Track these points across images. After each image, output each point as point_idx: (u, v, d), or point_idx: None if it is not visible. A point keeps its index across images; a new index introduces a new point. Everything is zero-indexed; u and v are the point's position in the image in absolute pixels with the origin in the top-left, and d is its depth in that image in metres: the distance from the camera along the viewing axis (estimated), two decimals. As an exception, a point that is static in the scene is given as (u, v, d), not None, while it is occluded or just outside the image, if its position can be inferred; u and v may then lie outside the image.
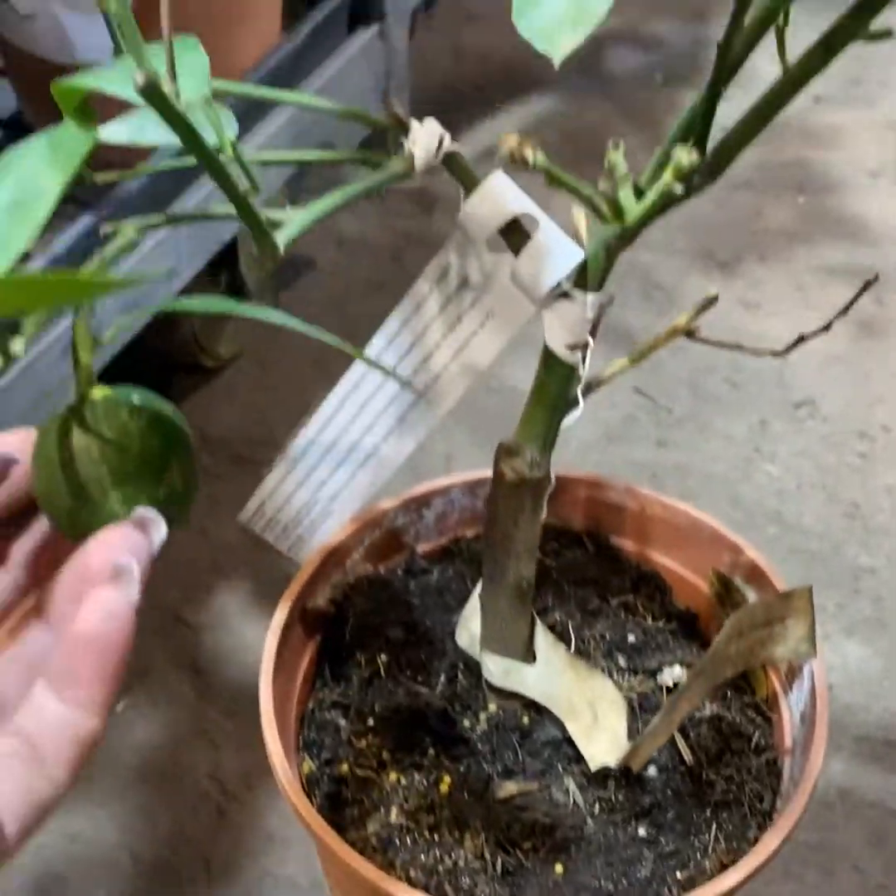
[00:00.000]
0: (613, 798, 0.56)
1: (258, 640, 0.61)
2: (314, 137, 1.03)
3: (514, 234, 0.48)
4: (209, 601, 0.93)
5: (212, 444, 1.05)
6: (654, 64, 1.57)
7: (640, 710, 0.59)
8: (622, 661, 0.60)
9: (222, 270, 1.04)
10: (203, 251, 0.94)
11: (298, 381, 1.11)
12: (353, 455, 0.61)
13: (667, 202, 0.35)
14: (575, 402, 0.53)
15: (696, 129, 0.40)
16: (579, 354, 0.50)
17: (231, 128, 0.41)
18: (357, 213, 1.30)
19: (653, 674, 0.60)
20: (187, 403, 1.09)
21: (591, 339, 0.50)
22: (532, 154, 0.33)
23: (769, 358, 1.14)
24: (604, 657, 0.60)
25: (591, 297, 0.48)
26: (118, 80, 0.31)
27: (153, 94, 0.28)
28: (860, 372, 1.13)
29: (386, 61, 1.13)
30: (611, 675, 0.59)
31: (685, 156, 0.32)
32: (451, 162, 0.47)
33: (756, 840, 0.54)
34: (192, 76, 0.34)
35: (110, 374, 0.92)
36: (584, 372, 0.52)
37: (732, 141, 0.39)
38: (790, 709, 0.60)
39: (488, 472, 0.55)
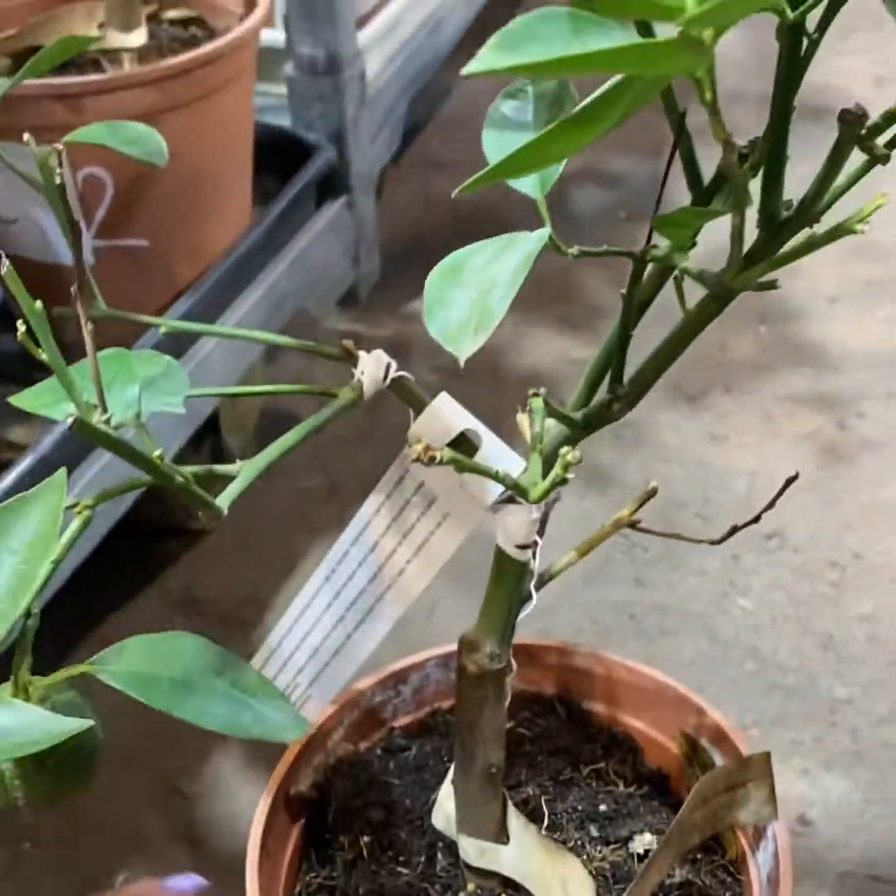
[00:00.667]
0: (591, 970, 0.58)
1: (252, 806, 0.63)
2: (289, 307, 1.08)
3: (462, 447, 0.52)
4: (204, 769, 0.95)
5: (201, 606, 1.09)
6: (617, 200, 1.63)
7: (612, 880, 0.61)
8: (594, 831, 0.63)
9: (205, 439, 1.08)
10: (185, 427, 0.98)
11: (281, 538, 1.14)
12: (328, 643, 0.64)
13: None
14: (529, 596, 0.56)
15: (614, 365, 0.44)
16: (530, 553, 0.54)
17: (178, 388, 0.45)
18: (330, 367, 1.35)
19: (624, 842, 0.63)
20: (176, 567, 1.12)
21: (539, 539, 0.54)
22: (439, 454, 0.37)
23: (736, 492, 1.18)
24: (576, 829, 0.63)
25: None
26: (55, 402, 0.36)
27: (84, 429, 0.32)
28: (828, 499, 1.17)
29: (355, 229, 1.18)
30: (583, 846, 0.62)
31: (572, 455, 0.36)
32: (398, 387, 0.52)
33: None
34: (122, 400, 0.38)
35: (106, 541, 0.95)
36: (536, 567, 0.55)
37: (645, 376, 0.44)
38: (758, 869, 0.63)
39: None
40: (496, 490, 0.51)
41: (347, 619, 0.63)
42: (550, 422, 0.50)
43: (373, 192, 1.25)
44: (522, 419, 0.55)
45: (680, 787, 0.68)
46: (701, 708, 0.68)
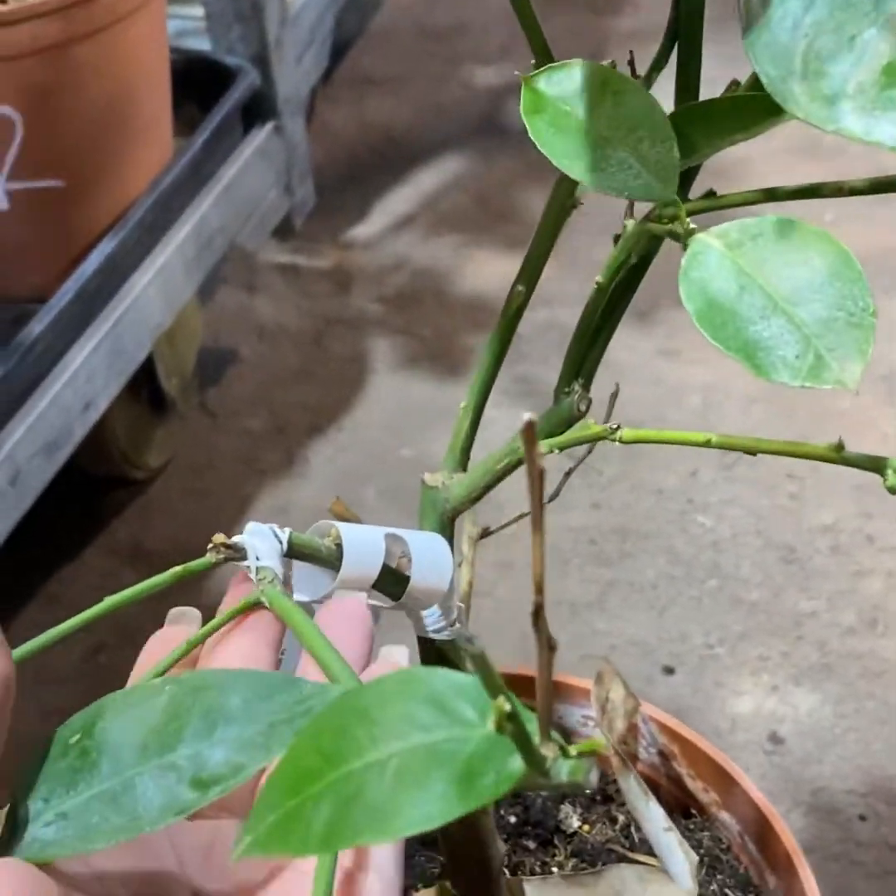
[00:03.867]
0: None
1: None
2: (220, 243, 1.04)
3: (392, 581, 0.44)
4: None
5: (150, 558, 1.05)
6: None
7: (597, 857, 0.59)
8: (531, 844, 0.60)
9: (142, 385, 1.04)
10: (119, 374, 0.94)
11: (229, 483, 1.11)
12: None
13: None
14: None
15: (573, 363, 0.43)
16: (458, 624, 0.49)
17: None
18: (274, 299, 1.31)
19: (556, 828, 0.60)
20: (121, 518, 1.09)
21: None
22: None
23: (692, 408, 1.16)
24: (520, 851, 0.60)
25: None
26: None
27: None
28: (782, 410, 1.15)
29: (285, 154, 1.14)
30: (545, 863, 0.59)
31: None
32: (299, 544, 0.41)
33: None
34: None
35: (49, 494, 0.92)
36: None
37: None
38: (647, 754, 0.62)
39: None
40: (443, 584, 0.44)
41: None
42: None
43: (302, 114, 1.20)
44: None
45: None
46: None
